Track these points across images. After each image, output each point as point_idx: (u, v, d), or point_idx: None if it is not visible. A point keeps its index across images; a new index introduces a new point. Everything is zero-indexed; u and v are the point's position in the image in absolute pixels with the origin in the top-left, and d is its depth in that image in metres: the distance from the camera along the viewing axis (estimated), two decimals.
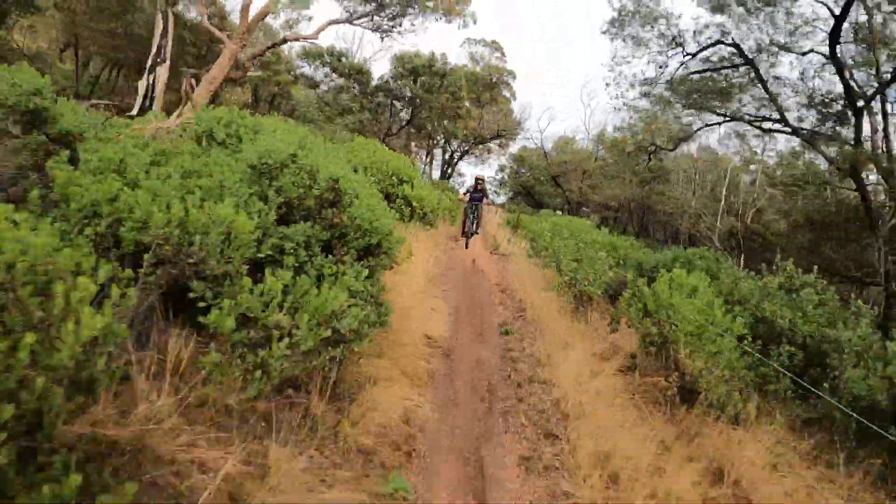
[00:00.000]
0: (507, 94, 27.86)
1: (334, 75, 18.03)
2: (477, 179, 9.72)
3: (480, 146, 24.86)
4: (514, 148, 32.23)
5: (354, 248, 3.35)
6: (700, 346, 4.06)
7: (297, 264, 2.76)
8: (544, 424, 3.63)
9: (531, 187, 32.93)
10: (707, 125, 10.23)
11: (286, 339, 2.26)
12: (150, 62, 12.47)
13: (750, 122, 9.54)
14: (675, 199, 17.96)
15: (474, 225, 9.63)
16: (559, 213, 19.16)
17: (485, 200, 9.70)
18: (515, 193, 36.56)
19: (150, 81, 12.31)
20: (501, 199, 36.97)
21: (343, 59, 17.97)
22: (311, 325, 2.39)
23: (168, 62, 12.37)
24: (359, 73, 17.76)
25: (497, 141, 24.93)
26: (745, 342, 4.43)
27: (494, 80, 22.00)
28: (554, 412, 3.82)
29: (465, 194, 9.84)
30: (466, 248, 9.75)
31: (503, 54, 28.25)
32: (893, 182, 7.75)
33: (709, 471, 3.46)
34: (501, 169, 35.73)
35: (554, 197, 28.53)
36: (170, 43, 12.54)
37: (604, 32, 10.46)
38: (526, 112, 37.27)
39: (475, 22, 14.98)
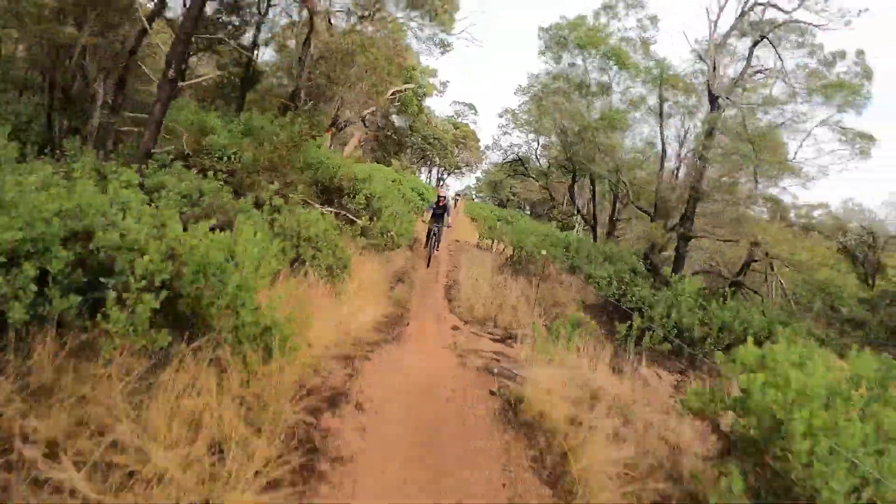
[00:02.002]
0: (475, 127, 46.18)
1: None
2: (439, 196, 10.28)
3: (457, 170, 43.12)
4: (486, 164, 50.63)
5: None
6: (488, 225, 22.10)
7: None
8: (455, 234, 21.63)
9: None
10: (510, 175, 28.44)
11: None
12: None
13: (527, 176, 27.68)
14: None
15: (436, 245, 10.11)
16: (495, 205, 37.13)
17: (447, 218, 10.05)
18: (488, 197, 55.03)
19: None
20: (479, 198, 55.48)
21: None
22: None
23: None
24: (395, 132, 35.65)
25: (468, 167, 43.23)
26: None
27: (466, 135, 40.00)
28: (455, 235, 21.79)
29: (428, 210, 10.33)
30: (428, 266, 9.86)
31: (476, 111, 46.68)
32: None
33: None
34: (478, 180, 54.17)
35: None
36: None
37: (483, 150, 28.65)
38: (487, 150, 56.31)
39: (444, 91, 31.95)
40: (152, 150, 6.14)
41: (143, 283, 2.82)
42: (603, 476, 2.95)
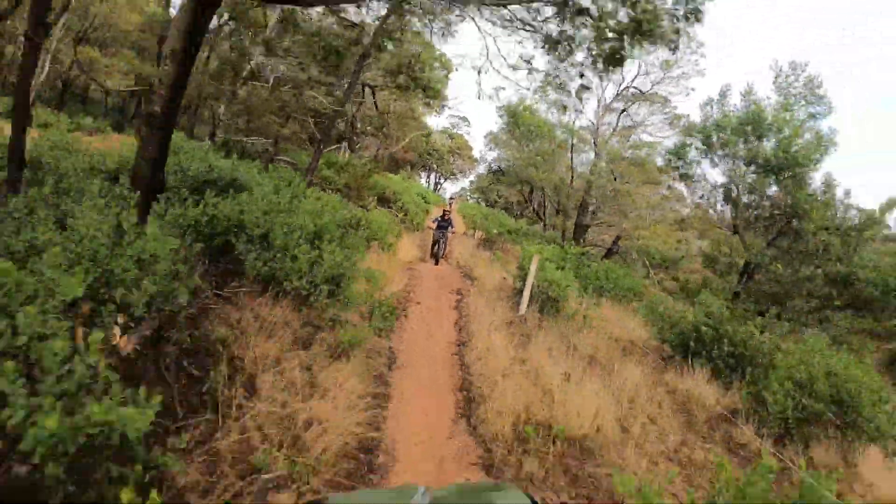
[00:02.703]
0: (469, 137, 53.98)
1: None
2: (444, 210, 11.88)
3: (452, 175, 51.00)
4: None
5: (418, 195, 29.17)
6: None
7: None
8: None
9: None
10: (492, 183, 36.09)
11: None
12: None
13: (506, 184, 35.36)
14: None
15: (441, 251, 11.60)
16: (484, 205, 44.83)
17: (450, 229, 11.51)
18: (479, 198, 62.80)
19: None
20: (473, 199, 63.22)
21: None
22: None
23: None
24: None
25: (462, 174, 51.10)
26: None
27: (460, 146, 47.76)
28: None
29: (433, 222, 11.68)
30: (436, 264, 11.78)
31: (469, 123, 54.38)
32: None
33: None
34: (471, 183, 61.91)
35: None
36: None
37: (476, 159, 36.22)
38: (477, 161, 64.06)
39: (441, 112, 40.39)
40: (313, 182, 13.70)
41: (363, 226, 10.46)
42: (486, 281, 10.60)
